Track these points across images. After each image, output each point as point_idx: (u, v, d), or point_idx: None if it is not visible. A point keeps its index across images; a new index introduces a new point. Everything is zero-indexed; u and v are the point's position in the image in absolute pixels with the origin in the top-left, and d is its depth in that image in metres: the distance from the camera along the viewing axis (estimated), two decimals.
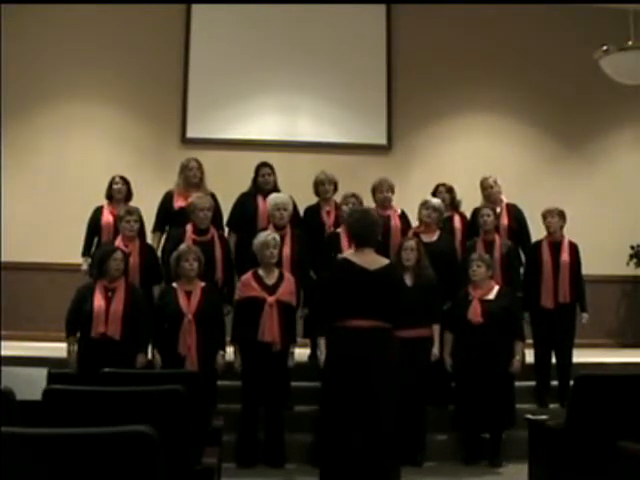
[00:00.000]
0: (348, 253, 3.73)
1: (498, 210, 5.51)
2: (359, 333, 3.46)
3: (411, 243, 4.75)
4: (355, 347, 3.46)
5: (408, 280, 4.66)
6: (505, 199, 5.66)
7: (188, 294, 4.45)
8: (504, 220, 5.49)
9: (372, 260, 3.60)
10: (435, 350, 4.64)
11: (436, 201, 5.24)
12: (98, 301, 4.31)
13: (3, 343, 5.19)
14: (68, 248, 5.68)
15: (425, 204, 5.18)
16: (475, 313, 4.62)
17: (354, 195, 5.21)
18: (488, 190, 5.62)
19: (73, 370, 4.28)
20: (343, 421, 3.43)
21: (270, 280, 4.55)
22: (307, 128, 7.65)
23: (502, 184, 5.69)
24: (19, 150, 7.27)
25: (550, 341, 5.17)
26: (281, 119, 7.65)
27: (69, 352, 4.40)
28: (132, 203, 5.33)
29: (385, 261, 3.70)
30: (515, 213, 5.58)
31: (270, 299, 4.45)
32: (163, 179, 5.92)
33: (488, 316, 4.60)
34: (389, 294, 3.56)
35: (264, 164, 5.48)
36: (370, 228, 3.67)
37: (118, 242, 4.87)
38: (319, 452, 3.68)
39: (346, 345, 3.49)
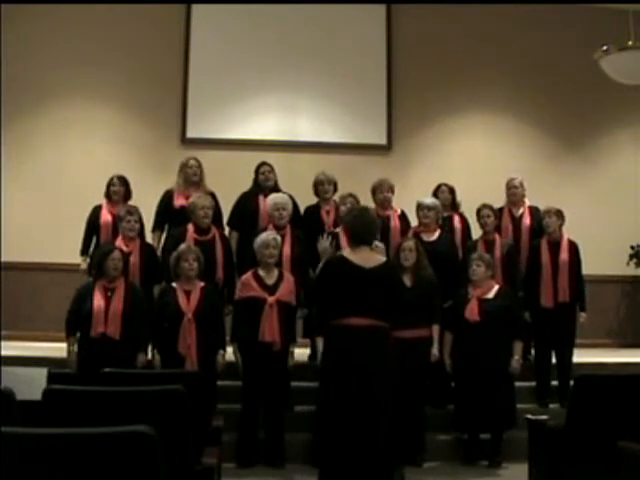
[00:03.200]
0: (345, 251, 3.72)
1: (521, 211, 5.63)
2: (355, 332, 3.44)
3: (409, 244, 4.73)
4: (351, 346, 3.44)
5: (407, 280, 4.64)
6: (528, 201, 5.71)
7: (187, 294, 4.45)
8: (526, 221, 5.58)
9: (368, 258, 3.58)
10: (435, 350, 4.63)
11: (429, 200, 5.23)
12: (98, 301, 4.31)
13: (3, 343, 5.18)
14: (68, 248, 5.66)
15: (419, 206, 5.20)
16: (472, 312, 4.60)
17: (351, 195, 5.22)
18: (512, 190, 5.67)
19: (73, 370, 4.28)
20: (340, 420, 3.42)
21: (270, 280, 4.55)
22: (307, 128, 7.65)
23: (501, 184, 5.71)
24: (19, 150, 7.27)
25: (550, 341, 5.17)
26: (281, 119, 7.65)
27: (69, 352, 4.39)
28: (132, 203, 5.33)
29: (382, 259, 3.69)
30: (536, 215, 5.61)
31: (270, 299, 4.45)
32: (163, 179, 5.91)
33: (485, 315, 4.58)
34: (386, 292, 3.53)
35: (264, 163, 5.53)
36: (368, 226, 3.66)
37: (118, 242, 4.87)
38: (317, 452, 3.67)
39: (342, 344, 3.48)
